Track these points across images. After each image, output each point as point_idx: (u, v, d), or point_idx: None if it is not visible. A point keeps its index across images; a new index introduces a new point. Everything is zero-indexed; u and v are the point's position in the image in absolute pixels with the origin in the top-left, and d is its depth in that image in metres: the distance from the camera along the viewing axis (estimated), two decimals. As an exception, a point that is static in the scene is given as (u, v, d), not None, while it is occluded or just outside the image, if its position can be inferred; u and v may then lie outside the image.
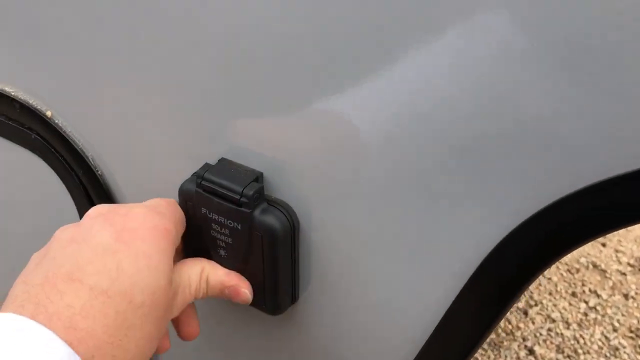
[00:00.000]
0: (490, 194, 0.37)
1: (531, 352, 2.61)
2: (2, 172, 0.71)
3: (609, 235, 3.20)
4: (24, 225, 0.71)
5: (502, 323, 2.73)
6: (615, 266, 3.02)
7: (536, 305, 2.83)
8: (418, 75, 0.38)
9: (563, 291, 2.90)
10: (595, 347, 2.66)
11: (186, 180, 0.53)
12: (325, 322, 0.52)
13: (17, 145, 0.68)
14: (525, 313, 2.79)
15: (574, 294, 2.89)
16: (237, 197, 0.49)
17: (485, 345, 2.63)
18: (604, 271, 3.01)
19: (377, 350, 0.49)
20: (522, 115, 0.35)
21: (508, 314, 2.77)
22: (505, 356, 2.61)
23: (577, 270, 3.01)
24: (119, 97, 0.54)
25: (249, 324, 0.57)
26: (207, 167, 0.52)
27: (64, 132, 0.64)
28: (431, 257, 0.43)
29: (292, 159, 0.47)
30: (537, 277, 0.40)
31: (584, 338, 2.69)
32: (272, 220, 0.49)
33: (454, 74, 0.36)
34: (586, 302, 2.86)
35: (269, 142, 0.46)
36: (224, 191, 0.49)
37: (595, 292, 2.89)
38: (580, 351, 2.64)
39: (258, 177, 0.50)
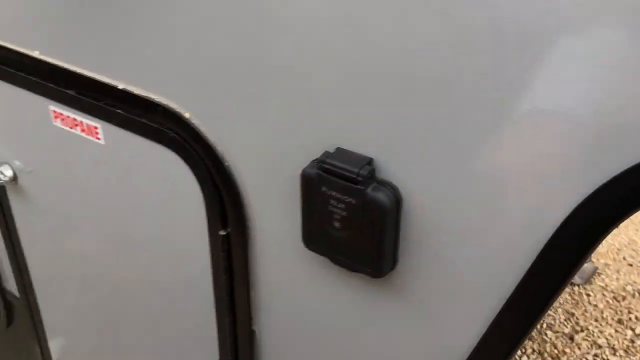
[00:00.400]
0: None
1: (578, 377, 2.64)
2: (141, 165, 0.85)
3: (655, 264, 3.21)
4: (157, 213, 0.84)
5: (548, 348, 2.76)
6: (662, 295, 3.03)
7: (582, 331, 2.85)
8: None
9: (609, 318, 2.92)
10: (642, 373, 2.67)
11: (307, 166, 0.65)
12: (419, 284, 0.62)
13: (155, 143, 0.82)
14: (572, 338, 2.81)
15: (620, 321, 2.90)
16: (354, 176, 0.61)
17: (532, 369, 2.67)
18: (651, 299, 3.02)
19: (465, 300, 0.58)
20: None
21: (554, 339, 2.79)
22: (552, 380, 2.64)
23: (624, 298, 3.03)
24: (246, 101, 0.66)
25: (352, 290, 0.67)
26: (326, 154, 0.64)
27: (199, 130, 0.77)
28: (518, 216, 0.51)
29: (397, 148, 0.57)
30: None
31: (631, 364, 2.71)
32: (381, 196, 0.61)
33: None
34: (632, 330, 2.87)
35: (378, 134, 0.57)
36: (343, 172, 0.61)
37: (642, 319, 2.90)
38: (627, 377, 2.65)
39: (370, 161, 0.62)
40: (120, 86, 0.78)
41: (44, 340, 1.28)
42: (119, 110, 0.80)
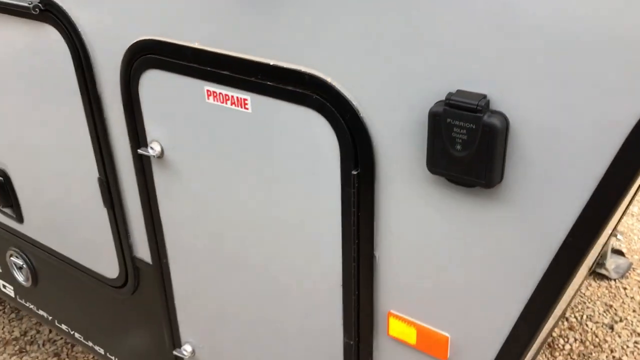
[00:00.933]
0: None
1: (620, 361, 2.78)
2: (284, 125, 1.09)
3: (689, 258, 3.36)
4: (297, 167, 1.06)
5: (589, 337, 2.91)
6: (698, 286, 3.18)
7: (621, 321, 3.00)
8: None
9: (647, 309, 3.07)
10: (683, 358, 2.81)
11: (433, 106, 0.88)
12: (520, 194, 0.83)
13: (299, 105, 1.05)
14: (612, 328, 2.96)
15: (658, 311, 3.05)
16: (474, 106, 0.83)
17: (574, 355, 2.82)
18: (688, 291, 3.16)
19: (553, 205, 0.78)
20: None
21: (595, 329, 2.95)
22: (596, 366, 2.78)
23: (660, 290, 3.18)
24: (379, 62, 0.88)
25: (465, 203, 0.87)
26: (450, 94, 0.86)
27: (338, 90, 1.01)
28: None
29: (507, 86, 0.79)
30: None
31: (670, 350, 2.85)
32: (495, 121, 0.82)
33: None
34: (670, 318, 3.01)
35: (491, 76, 0.79)
36: (466, 104, 0.84)
37: (678, 309, 3.05)
38: (668, 361, 2.79)
39: (485, 96, 0.84)
40: (272, 63, 1.02)
41: (171, 307, 1.50)
42: (268, 82, 1.04)
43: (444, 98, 0.86)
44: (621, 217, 1.66)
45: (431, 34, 0.85)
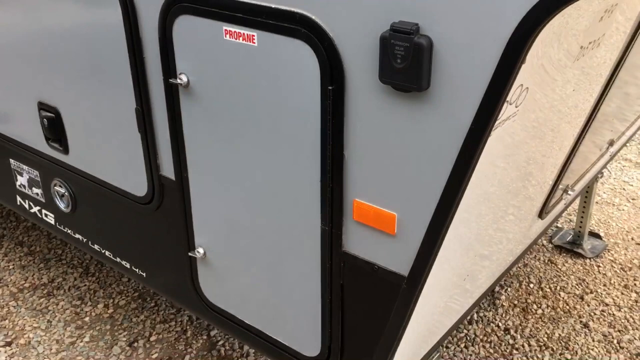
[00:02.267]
0: None
1: (586, 326, 3.08)
2: (280, 53, 1.45)
3: (659, 242, 3.65)
4: (287, 85, 1.38)
5: (561, 304, 3.22)
6: (665, 267, 3.47)
7: (591, 292, 3.30)
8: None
9: (616, 284, 3.36)
10: (644, 325, 3.10)
11: (383, 32, 1.23)
12: (442, 97, 1.19)
13: (291, 38, 1.41)
14: (582, 298, 3.27)
15: (626, 286, 3.34)
16: (409, 30, 1.18)
17: (545, 319, 3.12)
18: (655, 270, 3.46)
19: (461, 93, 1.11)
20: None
21: (567, 298, 3.26)
22: (563, 328, 3.09)
23: (630, 269, 3.47)
24: (347, 6, 1.24)
25: (406, 105, 1.21)
26: (393, 23, 1.22)
27: (320, 25, 1.36)
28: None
29: (432, 17, 1.14)
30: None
31: (633, 318, 3.14)
32: (423, 41, 1.16)
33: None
34: (637, 293, 3.31)
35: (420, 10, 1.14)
36: (404, 29, 1.18)
37: (645, 285, 3.34)
38: (629, 327, 3.08)
39: (416, 24, 1.20)
40: (273, 6, 1.39)
41: (188, 216, 1.87)
42: (270, 21, 1.41)
43: (389, 27, 1.22)
44: (564, 168, 1.99)
45: (383, -19, 1.22)
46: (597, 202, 4.00)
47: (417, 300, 1.46)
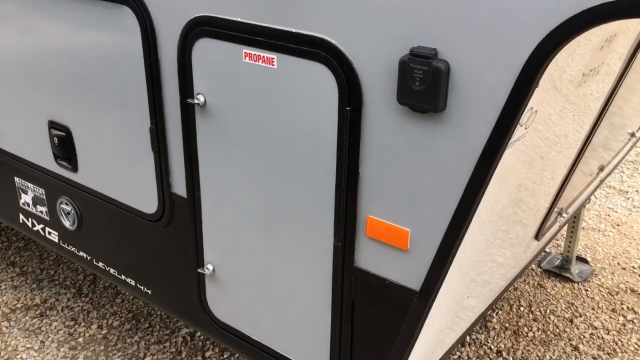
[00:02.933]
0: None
1: (576, 349, 3.15)
2: (300, 76, 1.51)
3: (645, 267, 3.76)
4: (306, 106, 1.45)
5: (551, 327, 3.29)
6: (651, 291, 3.57)
7: (580, 316, 3.38)
8: None
9: (604, 307, 3.45)
10: (632, 347, 3.18)
11: (402, 57, 1.30)
12: (458, 115, 1.26)
13: (311, 61, 1.48)
14: (571, 321, 3.34)
15: (613, 310, 3.43)
16: (427, 54, 1.25)
17: (536, 342, 3.18)
18: (641, 294, 3.55)
19: (477, 115, 1.18)
20: None
21: (557, 321, 3.33)
22: (554, 351, 3.15)
23: (617, 293, 3.56)
24: (368, 26, 1.31)
25: (421, 125, 1.28)
26: (412, 48, 1.29)
27: (339, 49, 1.43)
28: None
29: (450, 43, 1.23)
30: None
31: (622, 341, 3.22)
32: (441, 65, 1.24)
33: None
34: (624, 316, 3.39)
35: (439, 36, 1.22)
36: (422, 53, 1.24)
37: (632, 309, 3.42)
38: (618, 350, 3.15)
39: (435, 49, 1.27)
40: (294, 30, 1.47)
41: (199, 233, 1.91)
42: (290, 45, 1.48)
43: (408, 51, 1.30)
44: (560, 192, 2.07)
45: (403, 12, 1.30)
46: (583, 228, 4.10)
47: (428, 315, 1.51)
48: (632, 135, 2.82)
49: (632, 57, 1.75)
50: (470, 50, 1.23)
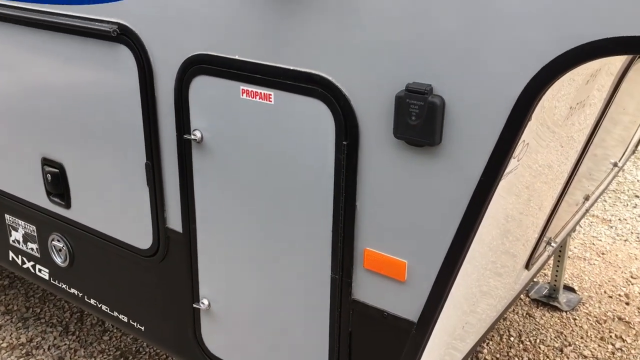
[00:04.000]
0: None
1: (567, 378, 3.16)
2: (296, 111, 1.55)
3: (631, 295, 3.80)
4: (302, 140, 1.49)
5: (541, 357, 3.30)
6: (638, 319, 3.60)
7: (570, 345, 3.40)
8: None
9: (593, 336, 3.47)
10: (622, 376, 3.20)
11: (398, 92, 1.34)
12: (452, 149, 1.29)
13: (308, 97, 1.52)
14: (561, 350, 3.36)
15: (602, 338, 3.46)
16: (423, 90, 1.30)
17: (526, 372, 3.19)
18: (628, 322, 3.58)
19: (472, 149, 1.23)
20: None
21: (547, 351, 3.35)
22: (545, 381, 3.16)
23: (605, 321, 3.59)
24: (364, 63, 1.35)
25: (418, 158, 1.31)
26: (408, 85, 1.33)
27: (336, 85, 1.47)
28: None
29: (444, 80, 1.27)
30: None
31: (612, 370, 3.24)
32: (436, 100, 1.28)
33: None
34: (613, 345, 3.42)
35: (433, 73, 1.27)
36: (418, 89, 1.28)
37: (620, 337, 3.45)
38: (609, 379, 3.17)
39: (430, 85, 1.31)
40: (291, 67, 1.51)
41: (194, 267, 1.91)
42: (288, 82, 1.52)
43: (404, 87, 1.34)
44: (548, 222, 2.12)
45: (398, 50, 1.35)
46: (569, 257, 4.15)
47: (426, 346, 1.52)
48: (615, 165, 2.89)
49: (614, 91, 1.81)
50: (465, 86, 1.27)
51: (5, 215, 2.50)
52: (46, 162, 2.20)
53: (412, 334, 1.52)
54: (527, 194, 1.69)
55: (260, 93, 1.57)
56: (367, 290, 1.58)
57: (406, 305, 1.52)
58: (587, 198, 2.67)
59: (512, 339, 3.43)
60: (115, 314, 2.25)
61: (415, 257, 1.47)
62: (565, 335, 3.49)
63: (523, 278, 2.36)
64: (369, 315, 1.60)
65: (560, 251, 3.55)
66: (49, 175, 2.18)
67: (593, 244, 4.38)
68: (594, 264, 4.14)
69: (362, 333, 1.64)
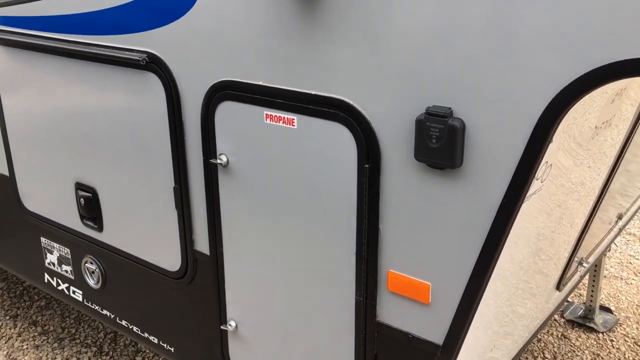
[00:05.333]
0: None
1: (608, 403, 3.07)
2: (319, 135, 1.57)
3: (670, 315, 3.69)
4: (325, 164, 1.52)
5: (578, 379, 3.22)
6: (677, 340, 3.49)
7: (608, 368, 3.31)
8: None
9: (630, 358, 3.38)
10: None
11: (418, 116, 1.35)
12: (473, 171, 1.29)
13: (330, 121, 1.54)
14: (599, 374, 3.27)
15: (641, 361, 3.36)
16: (444, 113, 1.31)
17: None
18: (668, 344, 3.48)
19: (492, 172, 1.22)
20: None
21: (584, 373, 3.26)
22: (583, 404, 3.07)
23: (643, 343, 3.49)
24: (385, 88, 1.37)
25: (439, 181, 1.32)
26: (428, 108, 1.35)
27: (358, 109, 1.49)
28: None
29: (465, 103, 1.27)
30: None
31: (653, 394, 3.14)
32: (456, 123, 1.29)
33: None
34: (653, 368, 3.32)
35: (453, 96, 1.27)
36: (438, 112, 1.29)
37: (660, 360, 3.35)
38: (651, 403, 3.07)
39: (450, 108, 1.32)
40: (313, 92, 1.53)
41: (222, 290, 1.94)
42: (310, 106, 1.54)
43: (424, 111, 1.35)
44: (579, 241, 2.08)
45: (418, 74, 1.36)
46: (605, 276, 4.06)
47: (452, 369, 1.51)
48: (649, 182, 2.83)
49: (643, 106, 1.79)
50: (485, 109, 1.28)
51: (41, 238, 2.57)
52: (79, 186, 2.27)
53: (438, 357, 1.51)
54: (556, 211, 1.67)
55: (284, 118, 1.60)
56: (392, 312, 1.58)
57: (431, 327, 1.52)
58: (620, 217, 2.62)
59: (546, 361, 3.36)
60: (146, 335, 2.29)
61: (438, 279, 1.46)
62: (602, 358, 3.40)
63: (555, 298, 2.32)
64: (394, 338, 1.59)
65: (595, 270, 3.47)
66: (82, 200, 2.24)
67: (630, 262, 4.27)
68: (631, 283, 4.04)
69: (388, 356, 1.64)
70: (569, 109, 1.17)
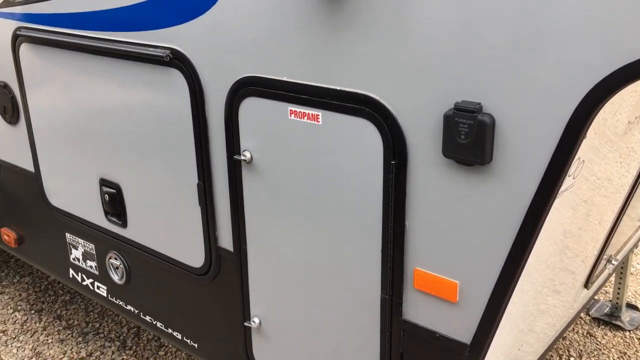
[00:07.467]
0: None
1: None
2: (344, 131, 1.55)
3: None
4: (351, 161, 1.51)
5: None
6: None
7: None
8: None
9: (659, 359, 3.32)
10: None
11: (447, 111, 1.33)
12: (504, 170, 1.26)
13: (355, 117, 1.52)
14: (625, 375, 3.21)
15: (669, 361, 3.29)
16: (473, 109, 1.27)
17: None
18: (695, 344, 3.40)
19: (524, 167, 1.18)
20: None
21: (610, 372, 3.21)
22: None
23: (671, 342, 3.42)
24: (412, 83, 1.34)
25: (467, 178, 1.30)
26: (457, 103, 1.32)
27: (384, 105, 1.47)
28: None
29: (494, 97, 1.24)
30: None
31: (681, 393, 3.07)
32: (486, 119, 1.26)
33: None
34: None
35: (483, 91, 1.25)
36: (467, 107, 1.27)
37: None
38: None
39: (479, 104, 1.29)
40: (338, 88, 1.51)
41: (245, 286, 1.93)
42: (335, 102, 1.52)
43: (453, 106, 1.32)
44: (609, 238, 2.04)
45: (446, 68, 1.33)
46: (632, 274, 3.98)
47: (480, 369, 1.49)
48: (680, 178, 2.76)
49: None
50: (515, 104, 1.25)
51: (66, 234, 2.59)
52: (104, 182, 2.28)
53: (465, 356, 1.49)
54: (586, 208, 1.64)
55: (308, 114, 1.59)
56: (418, 310, 1.56)
57: (458, 326, 1.49)
58: (649, 214, 2.56)
59: (572, 359, 3.31)
60: (170, 330, 2.30)
61: (466, 277, 1.44)
62: (629, 356, 3.34)
63: (582, 297, 2.28)
64: (420, 337, 1.57)
65: (622, 268, 3.41)
66: (106, 196, 2.25)
67: (658, 259, 4.19)
68: (659, 281, 3.96)
69: (414, 354, 1.62)
70: (605, 103, 1.13)
